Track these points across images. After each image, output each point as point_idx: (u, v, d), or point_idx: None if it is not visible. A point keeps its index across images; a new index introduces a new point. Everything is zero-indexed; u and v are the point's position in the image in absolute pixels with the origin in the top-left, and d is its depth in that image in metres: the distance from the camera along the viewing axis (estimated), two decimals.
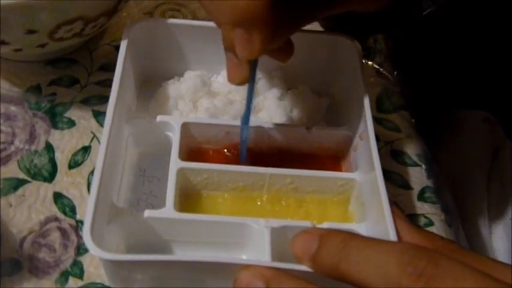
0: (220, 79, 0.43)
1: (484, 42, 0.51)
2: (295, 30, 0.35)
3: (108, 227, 0.33)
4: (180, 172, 0.36)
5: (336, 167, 0.40)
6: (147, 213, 0.33)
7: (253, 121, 0.40)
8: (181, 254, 0.35)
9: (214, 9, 0.32)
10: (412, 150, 0.45)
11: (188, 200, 0.37)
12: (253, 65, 0.34)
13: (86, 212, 0.31)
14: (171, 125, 0.38)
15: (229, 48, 0.33)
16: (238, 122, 0.39)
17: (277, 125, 0.39)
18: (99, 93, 0.44)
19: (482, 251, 0.50)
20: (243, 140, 0.37)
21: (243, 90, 0.42)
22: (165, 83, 0.42)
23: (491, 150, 0.55)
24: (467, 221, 0.49)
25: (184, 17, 0.51)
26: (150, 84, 0.43)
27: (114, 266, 0.32)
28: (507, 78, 0.53)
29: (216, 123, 0.39)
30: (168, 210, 0.34)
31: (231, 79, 0.34)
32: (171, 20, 0.41)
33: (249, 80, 0.34)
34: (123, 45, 0.39)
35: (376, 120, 0.37)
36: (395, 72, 0.50)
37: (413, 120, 0.47)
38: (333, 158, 0.40)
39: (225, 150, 0.39)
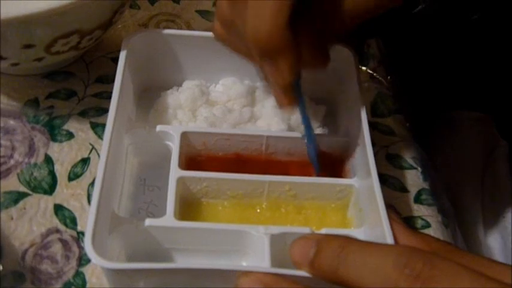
0: (218, 88, 0.44)
1: (476, 42, 0.52)
2: (329, 44, 0.35)
3: (110, 236, 0.34)
4: (180, 181, 0.36)
5: (334, 173, 0.40)
6: (148, 221, 0.34)
7: (251, 129, 0.41)
8: (182, 262, 0.35)
9: (244, 49, 0.34)
10: (407, 153, 0.46)
11: (188, 208, 0.37)
12: (295, 86, 0.35)
13: (87, 221, 0.31)
14: (171, 134, 0.38)
15: (267, 79, 0.34)
16: (237, 131, 0.39)
17: (275, 133, 0.40)
18: (97, 105, 0.45)
19: (477, 250, 0.51)
20: (312, 158, 0.38)
21: (241, 99, 0.43)
22: (164, 93, 0.43)
23: (485, 150, 0.56)
24: (463, 221, 0.50)
25: (179, 28, 0.51)
26: (149, 95, 0.44)
27: (116, 275, 0.32)
28: (500, 78, 0.53)
29: (215, 132, 0.39)
30: (169, 219, 0.34)
31: (280, 106, 0.36)
32: (169, 31, 0.42)
33: (297, 101, 0.35)
34: (122, 56, 0.39)
35: (371, 125, 0.38)
36: (388, 77, 0.50)
37: (408, 124, 0.48)
38: (331, 165, 0.40)
39: (224, 159, 0.40)
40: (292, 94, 0.35)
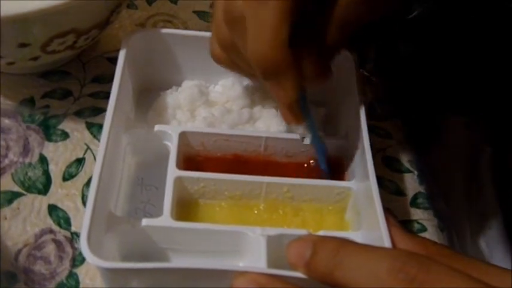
0: (218, 89, 0.44)
1: (472, 46, 0.52)
2: (329, 60, 0.36)
3: (106, 236, 0.33)
4: (178, 181, 0.36)
5: (333, 176, 0.40)
6: (145, 221, 0.34)
7: (250, 130, 0.41)
8: (178, 262, 0.35)
9: (248, 70, 0.34)
10: (404, 157, 0.46)
11: (185, 208, 0.37)
12: (301, 101, 0.35)
13: (83, 220, 0.31)
14: (169, 134, 0.38)
15: (272, 97, 0.35)
16: (235, 131, 0.39)
17: (274, 134, 0.40)
18: (93, 105, 0.45)
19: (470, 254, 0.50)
20: (323, 170, 0.38)
21: (241, 100, 0.43)
22: (163, 93, 0.43)
23: (472, 156, 0.56)
24: (454, 227, 0.49)
25: (176, 28, 0.51)
26: (149, 94, 0.44)
27: (111, 275, 0.32)
28: (494, 84, 0.53)
29: (214, 132, 0.39)
30: (165, 219, 0.34)
31: (287, 121, 0.37)
32: (169, 30, 0.42)
33: (304, 116, 0.36)
34: (121, 55, 0.39)
35: (368, 128, 0.38)
36: (385, 80, 0.50)
37: (404, 127, 0.48)
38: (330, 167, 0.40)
39: (223, 159, 0.39)
40: (297, 110, 0.35)
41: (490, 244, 0.51)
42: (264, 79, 0.32)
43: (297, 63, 0.32)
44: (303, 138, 0.39)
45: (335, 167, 0.41)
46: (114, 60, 0.40)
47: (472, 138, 0.56)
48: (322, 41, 0.34)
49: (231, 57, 0.36)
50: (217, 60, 0.37)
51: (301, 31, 0.32)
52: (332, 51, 0.35)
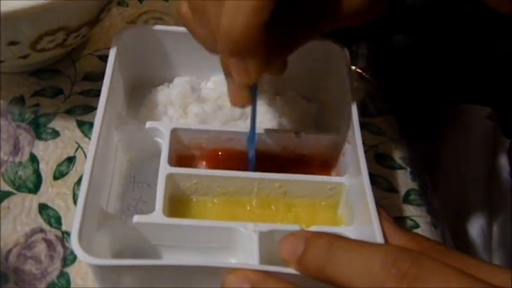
0: (209, 85, 0.43)
1: (466, 38, 0.51)
2: (289, 54, 0.35)
3: (97, 233, 0.33)
4: (170, 177, 0.36)
5: (325, 171, 0.40)
6: (137, 218, 0.33)
7: (242, 127, 0.41)
8: (170, 259, 0.35)
9: (208, 38, 0.33)
10: (396, 153, 0.46)
11: (178, 205, 0.37)
12: (253, 87, 0.34)
13: (74, 217, 0.31)
14: (161, 131, 0.38)
15: (228, 74, 0.34)
16: (227, 128, 0.39)
17: (266, 130, 0.39)
18: (83, 103, 0.44)
19: (477, 243, 0.50)
20: (250, 158, 0.38)
21: None
22: (154, 89, 0.42)
23: (487, 147, 0.55)
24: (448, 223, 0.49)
25: (168, 25, 0.51)
26: (140, 91, 0.43)
27: (102, 272, 0.31)
28: (493, 75, 0.53)
29: (205, 129, 0.39)
30: (157, 215, 0.34)
31: (234, 103, 0.35)
32: (160, 27, 0.42)
33: (251, 102, 0.35)
34: (112, 52, 0.39)
35: (360, 125, 0.38)
36: (378, 76, 0.50)
37: (398, 123, 0.48)
38: (322, 163, 0.40)
39: (214, 156, 0.39)
40: (249, 94, 0.34)
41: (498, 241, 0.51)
42: (230, 55, 0.31)
43: (266, 47, 0.31)
44: (296, 133, 0.39)
45: (327, 163, 0.41)
46: (104, 58, 0.39)
47: (492, 129, 0.55)
48: (295, 35, 0.34)
49: (196, 20, 0.34)
50: (182, 16, 0.35)
51: (281, 19, 0.31)
52: (294, 48, 0.35)
